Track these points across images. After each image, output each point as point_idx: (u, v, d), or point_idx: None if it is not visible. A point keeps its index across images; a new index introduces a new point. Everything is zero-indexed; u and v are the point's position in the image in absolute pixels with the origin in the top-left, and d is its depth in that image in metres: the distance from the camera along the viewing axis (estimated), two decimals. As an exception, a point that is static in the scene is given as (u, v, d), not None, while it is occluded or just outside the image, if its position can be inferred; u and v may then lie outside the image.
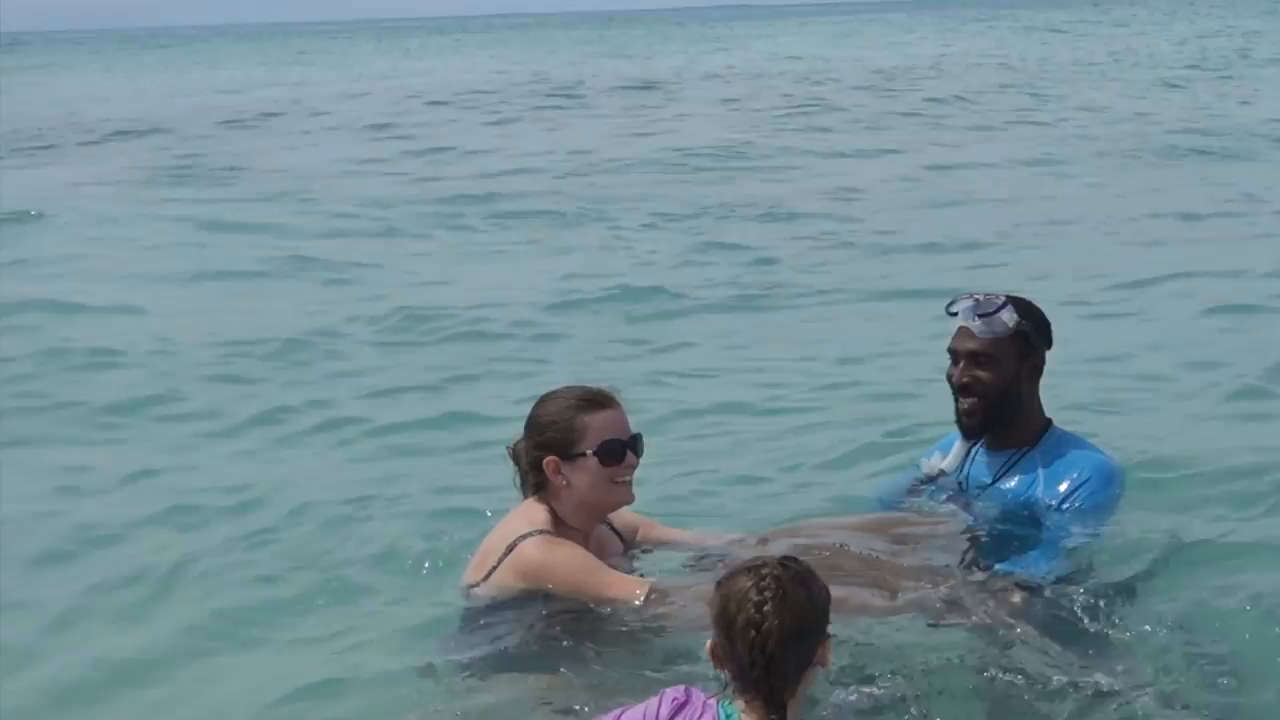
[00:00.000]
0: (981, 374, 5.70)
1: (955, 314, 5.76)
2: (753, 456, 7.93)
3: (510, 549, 5.13)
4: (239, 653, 5.60)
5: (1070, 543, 5.49)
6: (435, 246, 16.52)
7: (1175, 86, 35.53)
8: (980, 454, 5.87)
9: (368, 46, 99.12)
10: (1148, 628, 5.05)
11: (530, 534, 5.13)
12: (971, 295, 5.78)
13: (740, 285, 13.43)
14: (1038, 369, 5.80)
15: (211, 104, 40.57)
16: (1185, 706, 4.59)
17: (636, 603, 5.00)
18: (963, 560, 5.33)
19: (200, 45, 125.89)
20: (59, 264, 15.53)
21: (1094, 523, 5.62)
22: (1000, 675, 4.65)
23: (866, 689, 4.52)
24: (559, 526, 5.19)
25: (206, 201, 20.43)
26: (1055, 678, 4.61)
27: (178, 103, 41.89)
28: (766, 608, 3.67)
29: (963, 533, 5.53)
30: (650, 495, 5.79)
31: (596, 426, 5.18)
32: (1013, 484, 5.76)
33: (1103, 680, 4.61)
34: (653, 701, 3.96)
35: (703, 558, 5.47)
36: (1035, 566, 5.34)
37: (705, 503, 7.02)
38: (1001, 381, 5.70)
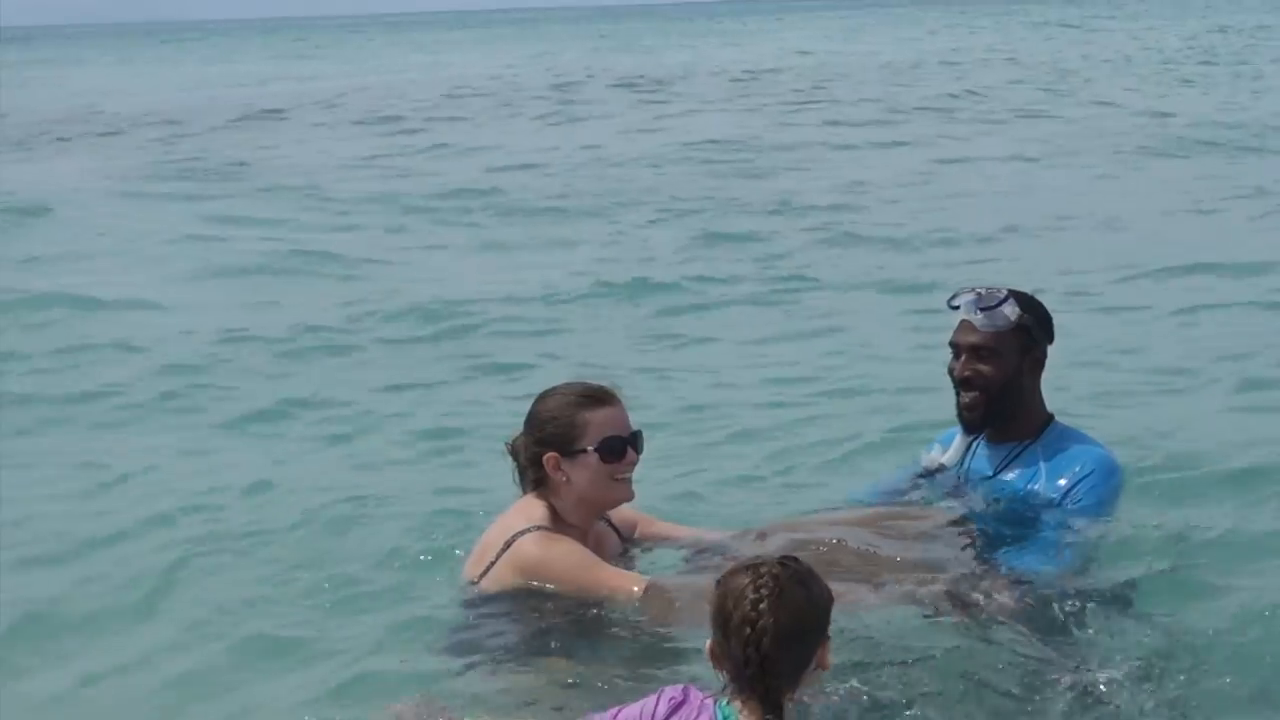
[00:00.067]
0: (983, 368, 5.69)
1: (957, 307, 5.75)
2: (753, 451, 7.91)
3: (508, 545, 5.12)
4: (236, 648, 5.57)
5: (1070, 537, 5.47)
6: (443, 241, 16.55)
7: (1187, 81, 35.51)
8: (981, 448, 5.85)
9: (380, 40, 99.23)
10: (1146, 624, 5.03)
11: (528, 530, 5.12)
12: (973, 289, 5.76)
13: (747, 280, 13.43)
14: (1039, 363, 5.78)
15: (222, 98, 40.69)
16: (1183, 704, 4.57)
17: (634, 600, 4.99)
18: (961, 555, 5.30)
19: (212, 40, 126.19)
20: (67, 259, 15.58)
21: (1094, 517, 5.59)
22: (994, 672, 4.63)
23: (858, 684, 4.48)
24: (557, 523, 5.18)
25: (215, 196, 20.51)
26: (1050, 675, 4.59)
27: (187, 97, 41.97)
28: (762, 605, 3.64)
29: (962, 527, 5.50)
30: (649, 491, 5.77)
31: (597, 423, 5.16)
32: (1013, 477, 5.75)
33: (1099, 677, 4.58)
34: (650, 699, 3.95)
35: (701, 553, 5.45)
36: (1034, 561, 5.32)
37: (704, 497, 6.99)
38: (1003, 375, 5.69)
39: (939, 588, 4.95)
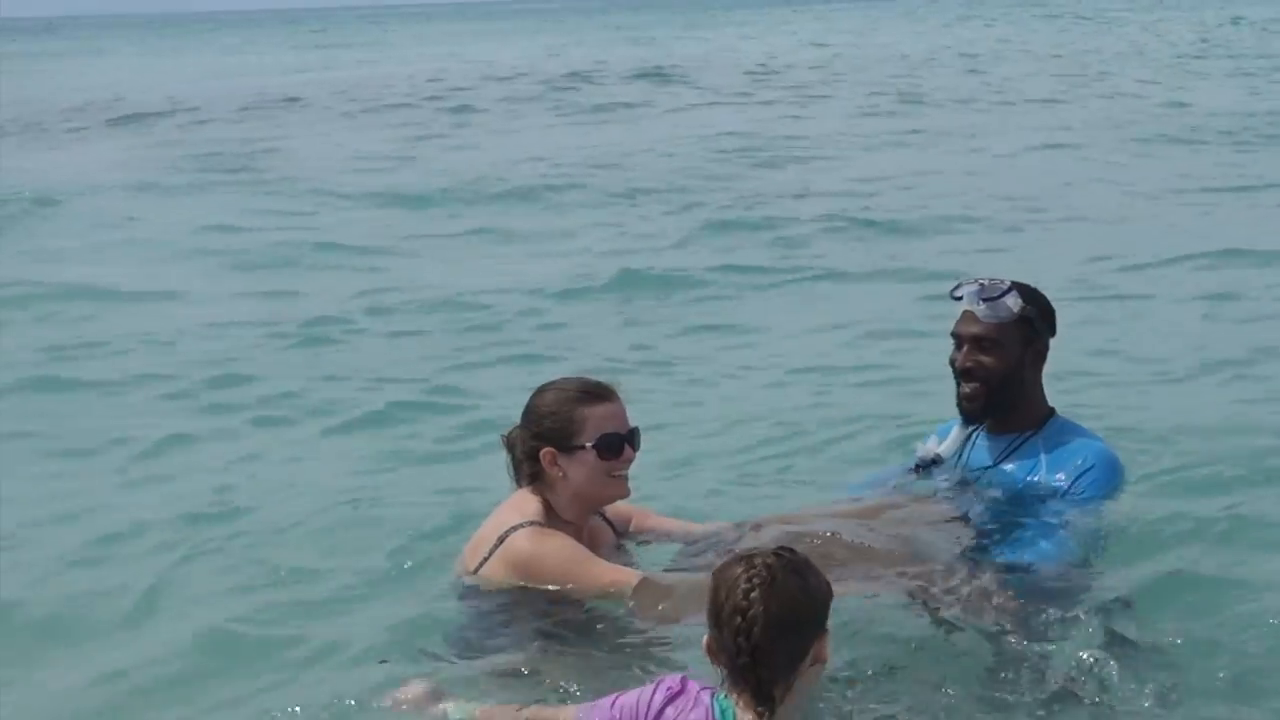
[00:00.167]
0: (984, 359, 5.68)
1: (960, 298, 5.74)
2: (755, 444, 7.87)
3: (502, 540, 5.10)
4: (235, 644, 5.56)
5: (1068, 530, 5.44)
6: (458, 231, 16.52)
7: (1201, 73, 35.37)
8: (981, 439, 5.84)
9: (398, 32, 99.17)
10: (1143, 619, 5.00)
11: (521, 525, 5.09)
12: (976, 280, 5.77)
13: (762, 270, 13.42)
14: (1041, 355, 5.77)
15: (241, 88, 40.69)
16: (1181, 700, 4.55)
17: (627, 594, 4.95)
18: (956, 548, 5.27)
19: (233, 30, 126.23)
20: (83, 250, 15.59)
21: (1093, 511, 5.57)
22: (983, 667, 4.60)
23: (843, 675, 4.46)
24: (551, 518, 5.16)
25: (232, 186, 20.52)
26: (1041, 670, 4.56)
27: (207, 87, 41.99)
28: (754, 594, 3.64)
29: (958, 519, 5.48)
30: (647, 485, 5.75)
31: (596, 419, 5.14)
32: (1013, 468, 5.73)
33: (1092, 673, 4.55)
34: (647, 689, 3.96)
35: (694, 544, 5.44)
36: (1031, 554, 5.29)
37: (702, 491, 6.93)
38: (1004, 366, 5.68)
39: (932, 582, 4.93)
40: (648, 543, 5.57)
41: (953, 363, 5.78)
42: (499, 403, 8.81)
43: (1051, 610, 4.88)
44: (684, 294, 12.52)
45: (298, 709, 4.79)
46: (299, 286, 13.28)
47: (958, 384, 5.77)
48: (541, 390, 5.27)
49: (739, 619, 3.64)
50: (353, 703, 4.72)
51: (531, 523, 5.10)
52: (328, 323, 11.60)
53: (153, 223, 17.45)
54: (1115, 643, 4.77)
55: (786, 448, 7.75)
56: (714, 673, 3.84)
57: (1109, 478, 5.68)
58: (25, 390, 9.81)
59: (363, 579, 5.98)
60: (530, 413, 5.23)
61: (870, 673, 4.51)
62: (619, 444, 5.16)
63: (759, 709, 3.69)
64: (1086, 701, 4.48)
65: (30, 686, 5.41)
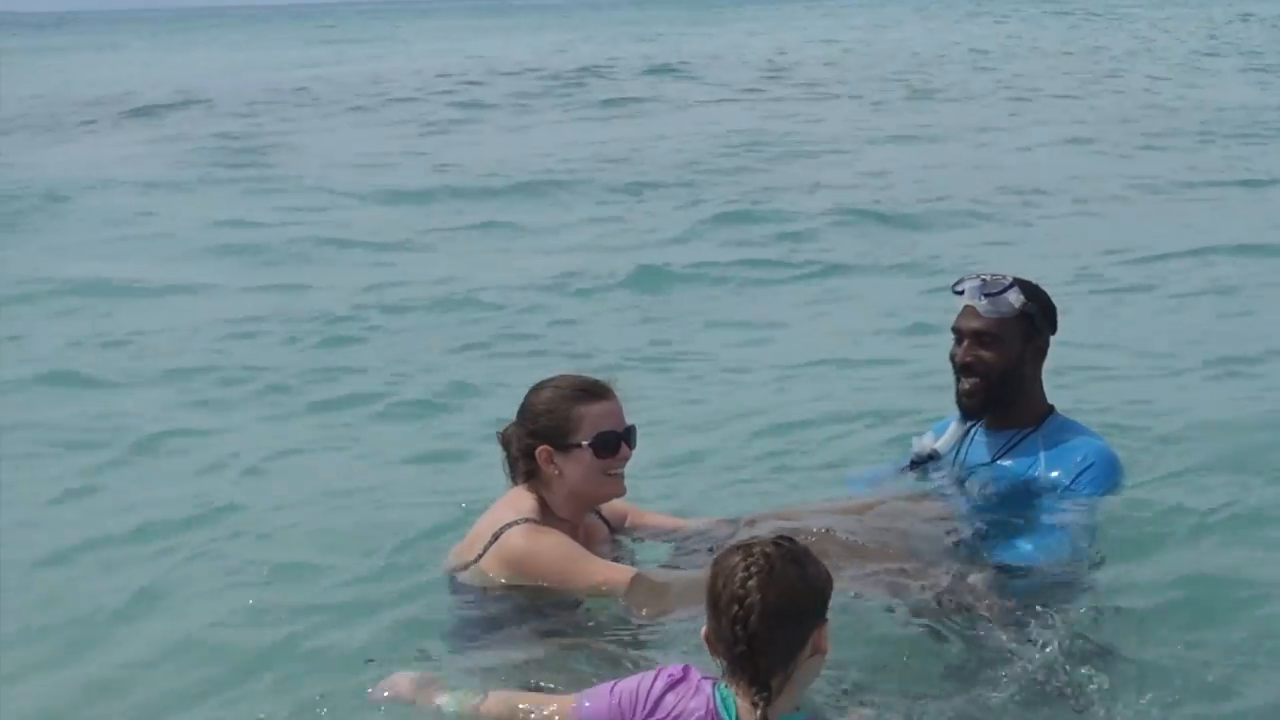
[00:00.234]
0: (985, 354, 5.68)
1: (961, 293, 5.74)
2: (754, 441, 7.86)
3: (496, 537, 5.08)
4: (232, 641, 5.55)
5: (1064, 528, 5.43)
6: (466, 225, 16.53)
7: (1210, 71, 35.30)
8: (979, 435, 5.84)
9: (407, 28, 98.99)
10: (1140, 619, 5.01)
11: (516, 522, 5.07)
12: (978, 275, 5.77)
13: (764, 267, 13.39)
14: (1041, 352, 5.77)
15: (249, 83, 40.68)
16: (1176, 700, 4.53)
17: (621, 592, 4.94)
18: (951, 545, 5.25)
19: (243, 25, 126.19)
20: (87, 246, 15.62)
21: (1091, 509, 5.56)
22: (976, 667, 4.58)
23: (833, 672, 4.45)
24: (546, 516, 5.14)
25: (242, 181, 20.52)
26: (1033, 671, 4.53)
27: (215, 82, 41.93)
28: (751, 583, 3.63)
29: (954, 516, 5.47)
30: (646, 480, 5.74)
31: (592, 417, 5.12)
32: (1011, 464, 5.72)
33: (1086, 673, 4.53)
34: (648, 675, 3.96)
35: (688, 540, 5.43)
36: (1028, 551, 5.29)
37: (698, 488, 6.92)
38: (1005, 362, 5.68)
39: (924, 579, 4.91)
40: (642, 540, 5.55)
41: (953, 358, 5.78)
42: (505, 398, 8.80)
43: (1045, 608, 4.85)
44: (694, 289, 12.53)
45: (295, 706, 4.79)
46: (308, 281, 13.28)
47: (957, 379, 5.77)
48: (537, 388, 5.25)
49: (736, 607, 3.63)
50: (349, 699, 4.71)
51: (526, 520, 5.08)
52: (337, 318, 11.58)
53: (163, 218, 17.47)
54: (1110, 642, 4.77)
55: (789, 443, 7.72)
56: (712, 666, 3.84)
57: (1108, 475, 5.67)
58: (37, 385, 9.81)
59: (363, 578, 5.97)
60: (526, 410, 5.21)
61: (858, 670, 4.48)
62: (615, 442, 5.14)
63: (756, 698, 3.68)
64: (1077, 701, 4.45)
65: (26, 684, 5.40)
